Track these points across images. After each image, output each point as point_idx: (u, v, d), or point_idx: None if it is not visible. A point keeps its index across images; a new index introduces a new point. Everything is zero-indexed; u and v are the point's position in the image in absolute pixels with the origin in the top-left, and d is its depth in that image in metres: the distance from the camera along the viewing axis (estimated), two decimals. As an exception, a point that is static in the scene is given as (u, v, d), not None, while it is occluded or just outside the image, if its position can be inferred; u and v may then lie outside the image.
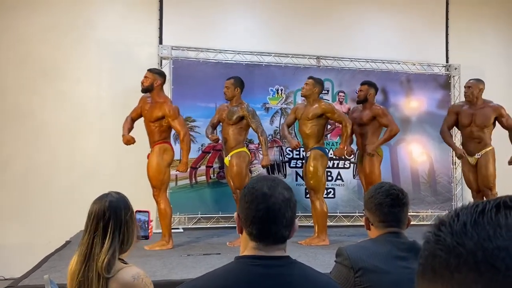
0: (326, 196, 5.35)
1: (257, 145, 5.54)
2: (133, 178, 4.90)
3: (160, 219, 4.45)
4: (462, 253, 0.41)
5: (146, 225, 1.90)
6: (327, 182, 5.34)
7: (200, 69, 5.69)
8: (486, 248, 0.40)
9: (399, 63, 6.36)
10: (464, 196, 6.21)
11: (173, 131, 4.58)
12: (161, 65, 5.54)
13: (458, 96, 6.35)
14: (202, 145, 5.67)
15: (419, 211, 6.18)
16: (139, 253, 3.97)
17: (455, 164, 6.23)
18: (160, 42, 5.75)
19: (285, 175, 5.88)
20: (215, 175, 5.71)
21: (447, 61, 6.62)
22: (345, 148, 4.79)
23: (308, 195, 5.03)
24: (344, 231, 5.43)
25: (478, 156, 4.85)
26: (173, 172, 4.82)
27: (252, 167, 5.41)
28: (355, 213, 5.98)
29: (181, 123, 4.40)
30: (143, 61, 5.41)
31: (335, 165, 6.03)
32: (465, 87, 5.00)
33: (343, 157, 5.35)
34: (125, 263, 1.70)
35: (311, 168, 4.63)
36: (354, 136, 5.09)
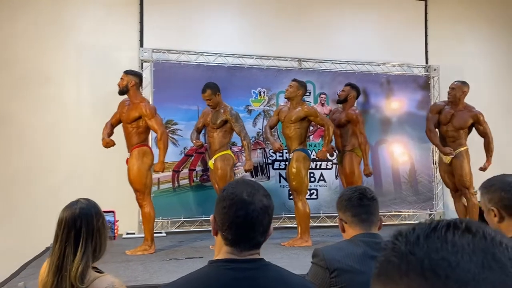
0: (309, 197, 5.39)
1: (240, 148, 5.53)
2: (116, 182, 4.86)
3: (143, 223, 4.41)
4: (412, 260, 0.46)
5: (113, 226, 1.89)
6: (310, 183, 5.39)
7: (181, 72, 5.68)
8: (433, 258, 0.45)
9: (379, 65, 6.43)
10: (445, 195, 6.29)
11: (153, 135, 4.54)
12: (142, 68, 5.52)
13: (437, 96, 6.45)
14: (184, 148, 5.64)
15: (400, 211, 6.23)
16: (120, 258, 3.94)
17: (435, 164, 6.32)
18: (141, 45, 5.72)
19: (268, 177, 5.90)
20: (198, 178, 5.69)
21: (426, 62, 6.72)
22: (327, 151, 4.87)
23: (291, 197, 5.05)
24: (327, 232, 5.46)
25: (452, 156, 4.92)
26: (155, 175, 4.78)
27: (235, 169, 5.40)
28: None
29: (158, 122, 4.36)
30: (124, 64, 5.35)
31: (318, 166, 6.07)
32: (449, 87, 5.08)
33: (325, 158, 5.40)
34: (99, 271, 1.66)
35: (294, 170, 4.66)
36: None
